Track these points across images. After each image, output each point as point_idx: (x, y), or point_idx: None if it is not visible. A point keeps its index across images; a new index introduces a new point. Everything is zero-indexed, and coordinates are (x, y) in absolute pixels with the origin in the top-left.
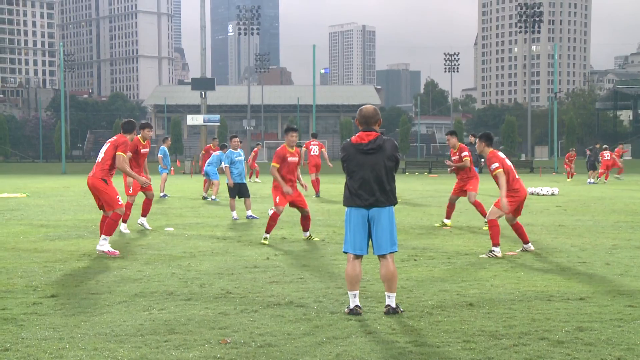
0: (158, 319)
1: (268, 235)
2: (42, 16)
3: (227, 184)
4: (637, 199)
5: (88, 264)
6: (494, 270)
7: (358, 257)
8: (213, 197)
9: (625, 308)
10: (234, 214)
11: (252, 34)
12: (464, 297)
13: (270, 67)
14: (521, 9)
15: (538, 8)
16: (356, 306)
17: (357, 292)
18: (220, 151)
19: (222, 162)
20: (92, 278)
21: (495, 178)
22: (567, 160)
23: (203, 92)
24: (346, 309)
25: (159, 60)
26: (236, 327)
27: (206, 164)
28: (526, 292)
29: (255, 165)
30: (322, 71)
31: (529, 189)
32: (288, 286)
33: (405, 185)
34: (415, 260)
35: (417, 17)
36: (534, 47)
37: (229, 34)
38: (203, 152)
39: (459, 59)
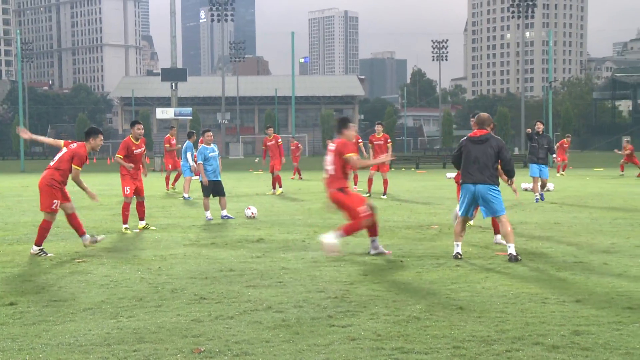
0: (126, 327)
1: (127, 226)
2: None
3: (201, 182)
4: (636, 194)
5: (49, 269)
6: (486, 272)
7: (464, 219)
8: (185, 195)
9: (624, 310)
10: (208, 214)
11: (226, 20)
12: (454, 300)
13: (246, 56)
14: None
15: None
16: (457, 252)
17: (459, 243)
18: (187, 141)
19: (191, 156)
20: (54, 284)
21: None
22: (559, 147)
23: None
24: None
25: (125, 49)
26: (210, 335)
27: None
28: (519, 295)
29: (297, 162)
30: (302, 60)
31: (522, 185)
32: (266, 290)
33: (391, 181)
34: (401, 262)
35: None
36: (527, 34)
37: (201, 21)
38: (167, 145)
39: (447, 46)
